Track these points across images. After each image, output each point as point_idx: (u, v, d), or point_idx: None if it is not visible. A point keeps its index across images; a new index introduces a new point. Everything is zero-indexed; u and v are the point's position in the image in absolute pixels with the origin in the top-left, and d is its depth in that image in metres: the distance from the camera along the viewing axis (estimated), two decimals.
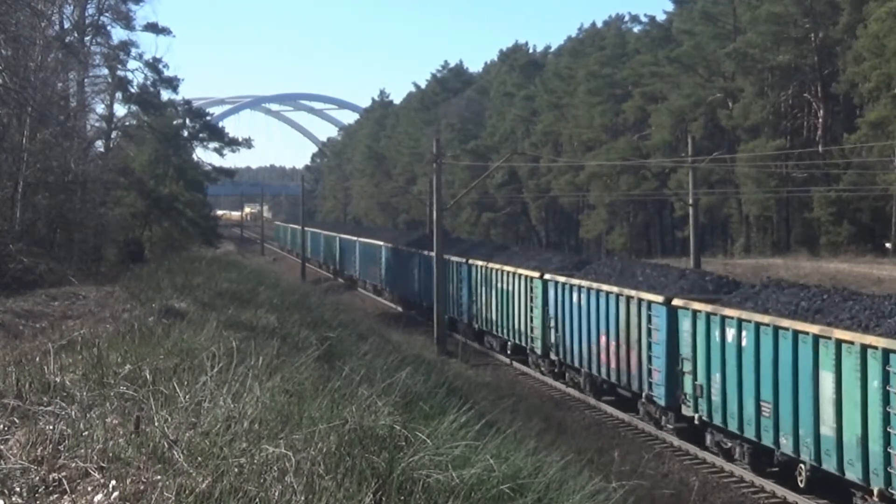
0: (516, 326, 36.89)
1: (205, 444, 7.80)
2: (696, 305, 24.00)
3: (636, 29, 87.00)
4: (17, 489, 7.33)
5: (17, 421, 8.96)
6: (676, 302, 24.98)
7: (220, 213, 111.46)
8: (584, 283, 30.79)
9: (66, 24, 46.01)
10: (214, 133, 60.61)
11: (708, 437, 24.12)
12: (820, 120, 66.13)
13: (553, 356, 33.57)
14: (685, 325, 24.39)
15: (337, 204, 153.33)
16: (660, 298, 25.71)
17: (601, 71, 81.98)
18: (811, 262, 54.98)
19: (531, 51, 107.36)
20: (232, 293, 24.49)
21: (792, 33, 64.92)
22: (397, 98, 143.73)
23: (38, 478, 7.50)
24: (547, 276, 33.83)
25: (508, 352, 38.15)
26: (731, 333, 22.19)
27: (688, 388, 24.43)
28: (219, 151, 60.04)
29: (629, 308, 27.43)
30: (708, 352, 23.34)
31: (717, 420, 23.13)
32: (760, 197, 63.33)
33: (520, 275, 36.40)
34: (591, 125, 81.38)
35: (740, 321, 21.88)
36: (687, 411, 24.62)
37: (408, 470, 7.61)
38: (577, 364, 31.46)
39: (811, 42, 65.25)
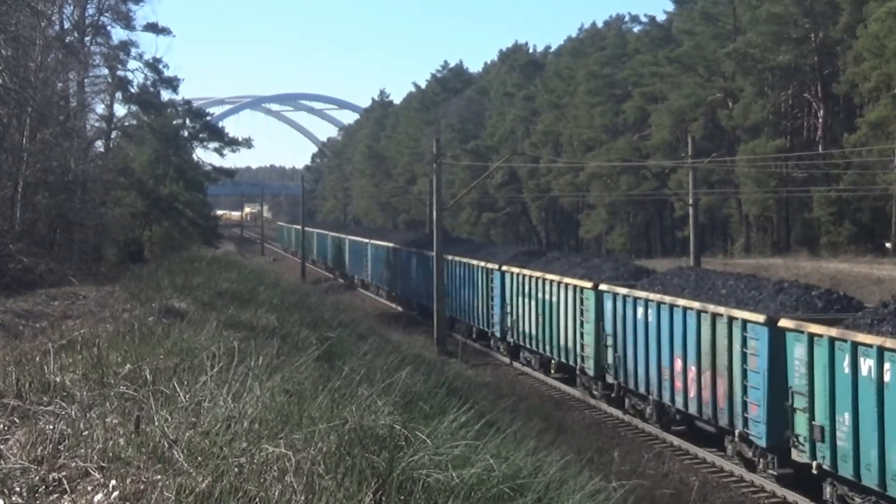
0: (562, 343, 32.77)
1: (205, 444, 7.80)
2: (815, 328, 19.55)
3: (636, 29, 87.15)
4: (17, 489, 7.33)
5: (17, 421, 8.96)
6: (785, 323, 20.50)
7: (220, 213, 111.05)
8: (653, 295, 26.36)
9: (66, 24, 46.07)
10: (214, 133, 60.68)
11: (827, 490, 19.70)
12: (820, 120, 66.14)
13: (610, 379, 29.24)
14: (797, 351, 19.97)
15: (337, 204, 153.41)
16: (760, 318, 21.35)
17: (601, 71, 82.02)
18: (811, 262, 55.02)
19: (531, 51, 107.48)
20: (232, 293, 24.49)
21: (792, 33, 64.92)
22: (397, 98, 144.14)
23: (38, 478, 7.50)
24: (603, 287, 29.65)
25: (552, 371, 34.47)
26: (867, 365, 17.97)
27: (801, 428, 20.01)
28: (219, 151, 60.22)
29: (716, 328, 23.05)
30: (832, 386, 18.88)
31: (846, 471, 18.61)
32: (760, 197, 63.34)
33: (566, 284, 32.22)
34: (591, 125, 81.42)
35: (882, 350, 17.45)
36: (799, 456, 20.11)
37: (408, 470, 7.61)
38: (641, 390, 27.21)
39: (811, 42, 65.26)
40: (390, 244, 61.02)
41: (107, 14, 48.28)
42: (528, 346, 36.19)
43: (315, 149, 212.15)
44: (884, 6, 54.51)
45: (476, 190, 70.84)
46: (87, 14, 46.91)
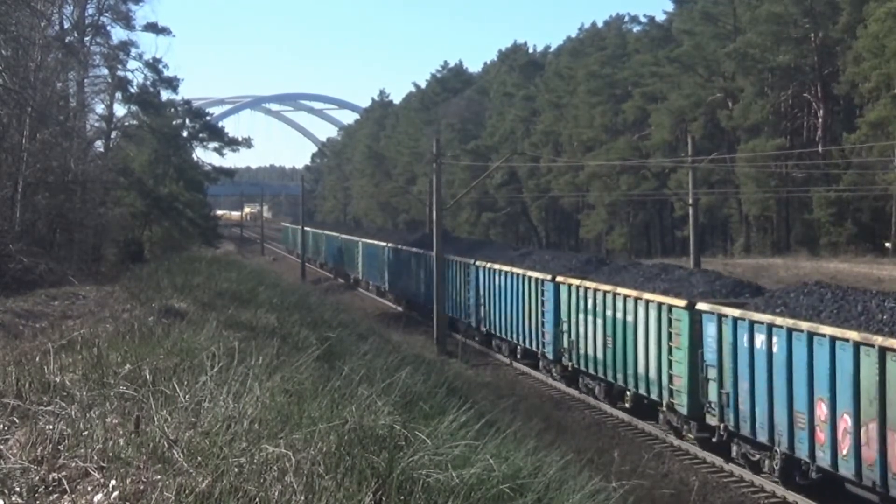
0: (640, 372, 27.27)
1: (205, 444, 7.80)
2: None
3: (636, 29, 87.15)
4: (17, 489, 7.33)
5: (17, 421, 8.96)
6: None
7: (220, 213, 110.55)
8: (781, 320, 20.80)
9: (66, 24, 46.09)
10: (214, 133, 60.68)
11: None
12: (820, 120, 66.15)
13: (712, 420, 23.63)
14: None
15: (337, 204, 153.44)
16: None
17: (601, 71, 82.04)
18: (811, 262, 55.02)
19: (531, 51, 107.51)
20: (232, 293, 24.49)
21: (792, 33, 64.95)
22: (397, 98, 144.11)
23: (38, 478, 7.50)
24: (702, 307, 24.02)
25: (628, 404, 28.76)
26: None
27: None
28: (219, 151, 60.22)
29: (886, 367, 17.84)
30: None
31: None
32: (760, 197, 63.37)
33: (647, 301, 26.72)
34: (591, 125, 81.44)
35: None
36: None
37: (408, 470, 7.61)
38: (761, 438, 21.59)
39: (811, 42, 65.28)
40: (414, 249, 53.76)
41: (107, 14, 48.31)
42: (590, 371, 30.71)
43: (315, 149, 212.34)
44: (884, 6, 54.52)
45: (476, 190, 70.81)
46: (86, 14, 46.92)
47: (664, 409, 26.19)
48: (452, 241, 55.36)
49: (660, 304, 26.05)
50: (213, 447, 7.70)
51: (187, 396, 9.09)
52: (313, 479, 7.17)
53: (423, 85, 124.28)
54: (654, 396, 26.71)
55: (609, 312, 29.06)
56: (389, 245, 59.79)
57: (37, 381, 10.32)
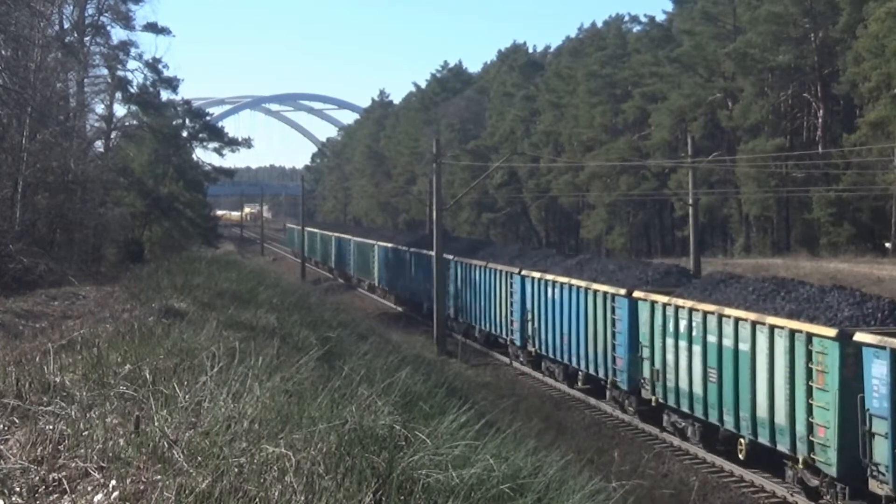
0: (761, 415, 22.23)
1: (205, 444, 7.80)
2: None
3: (636, 29, 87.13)
4: (17, 489, 7.32)
5: (17, 421, 8.96)
6: None
7: (220, 213, 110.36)
8: None
9: (66, 24, 46.12)
10: (214, 133, 60.70)
11: None
12: (820, 120, 66.15)
13: (882, 489, 18.36)
14: None
15: (337, 204, 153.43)
16: None
17: (601, 71, 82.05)
18: (811, 262, 55.02)
19: (531, 51, 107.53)
20: (232, 293, 24.49)
21: (792, 33, 64.98)
22: (397, 98, 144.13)
23: (38, 478, 7.50)
24: (864, 338, 18.85)
25: (741, 455, 23.58)
26: None
27: None
28: (219, 151, 60.25)
29: None
30: None
31: None
32: (760, 197, 63.37)
33: (774, 327, 21.42)
34: (591, 125, 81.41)
35: None
36: None
37: (408, 470, 7.61)
38: None
39: (811, 42, 65.29)
40: (446, 254, 44.73)
41: (106, 14, 48.32)
42: (682, 408, 25.83)
43: (315, 149, 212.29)
44: (884, 6, 54.51)
45: (476, 190, 70.79)
46: (86, 14, 46.94)
47: (798, 465, 20.89)
48: (496, 247, 50.18)
49: (793, 332, 20.76)
50: (213, 447, 7.70)
51: (187, 396, 9.09)
52: (313, 479, 7.17)
53: (423, 85, 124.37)
54: (781, 448, 21.48)
55: (712, 338, 24.09)
56: (414, 250, 53.82)
57: (37, 381, 10.32)
